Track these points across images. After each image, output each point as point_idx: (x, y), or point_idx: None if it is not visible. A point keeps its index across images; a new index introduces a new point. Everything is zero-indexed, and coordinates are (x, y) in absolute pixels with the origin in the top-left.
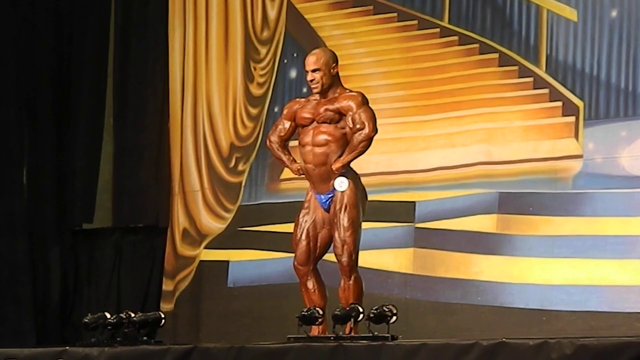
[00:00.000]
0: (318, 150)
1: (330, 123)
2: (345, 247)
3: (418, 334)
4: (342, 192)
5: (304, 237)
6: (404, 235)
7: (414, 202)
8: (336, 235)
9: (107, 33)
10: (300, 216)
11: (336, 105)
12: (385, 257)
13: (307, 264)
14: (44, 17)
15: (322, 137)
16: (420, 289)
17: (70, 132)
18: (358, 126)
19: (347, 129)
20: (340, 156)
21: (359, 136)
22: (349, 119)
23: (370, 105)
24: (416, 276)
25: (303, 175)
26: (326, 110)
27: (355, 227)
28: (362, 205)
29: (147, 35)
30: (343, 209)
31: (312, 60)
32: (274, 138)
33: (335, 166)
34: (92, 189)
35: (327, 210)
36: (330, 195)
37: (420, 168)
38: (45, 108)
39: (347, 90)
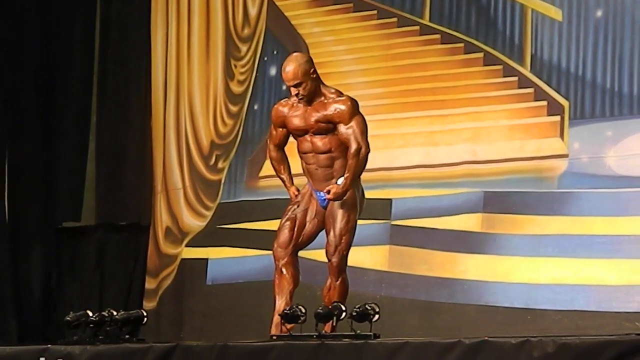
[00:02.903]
0: (322, 156)
1: (325, 134)
2: (339, 248)
3: (395, 332)
4: None
5: (289, 222)
6: (380, 233)
7: (390, 200)
8: (331, 235)
9: (92, 32)
10: (290, 208)
11: (327, 115)
12: (360, 254)
13: (287, 246)
14: (30, 16)
15: (324, 146)
16: (395, 286)
17: (55, 130)
18: (354, 147)
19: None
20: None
21: (355, 156)
22: (342, 129)
23: (360, 110)
24: (391, 273)
25: (298, 196)
26: (317, 122)
27: (350, 230)
28: (360, 207)
29: (130, 34)
30: (341, 211)
31: (290, 76)
32: (272, 153)
33: (333, 191)
34: (79, 187)
35: (324, 207)
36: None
37: (398, 165)
38: (30, 106)
39: (333, 91)
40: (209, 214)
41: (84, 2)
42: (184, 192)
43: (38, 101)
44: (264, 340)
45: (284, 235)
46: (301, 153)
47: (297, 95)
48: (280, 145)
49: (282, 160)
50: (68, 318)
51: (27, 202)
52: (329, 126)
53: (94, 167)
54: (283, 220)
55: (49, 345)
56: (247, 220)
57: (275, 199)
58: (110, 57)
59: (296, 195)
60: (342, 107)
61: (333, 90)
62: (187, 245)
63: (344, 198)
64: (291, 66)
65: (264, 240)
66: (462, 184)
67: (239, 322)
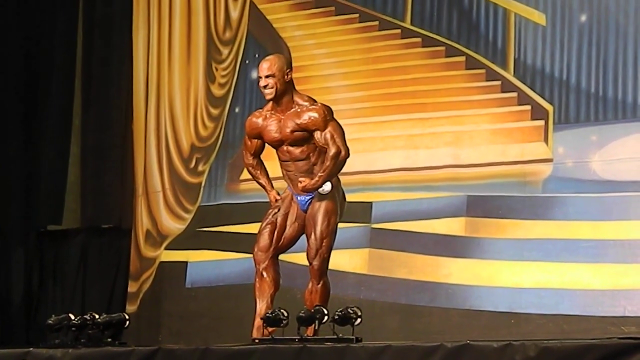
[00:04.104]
0: (300, 163)
1: (302, 144)
2: (320, 251)
3: (375, 335)
4: (324, 194)
5: (269, 226)
6: (360, 236)
7: (370, 203)
8: (312, 238)
9: (74, 34)
10: (270, 212)
11: (301, 124)
12: (340, 258)
13: (267, 250)
14: (12, 18)
15: (302, 154)
16: (375, 289)
17: (37, 132)
18: (333, 150)
19: (318, 144)
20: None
21: (333, 159)
22: (318, 136)
23: (334, 116)
24: (371, 277)
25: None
26: (293, 132)
27: (331, 233)
28: (340, 210)
29: (112, 36)
30: (322, 214)
31: (265, 66)
32: (248, 161)
33: (303, 184)
34: (61, 190)
35: (305, 211)
36: (310, 197)
37: (379, 169)
38: (12, 108)
39: (306, 99)
40: (189, 217)
41: (67, 5)
42: (164, 195)
43: (20, 103)
44: (246, 343)
45: (265, 239)
46: (280, 161)
47: (265, 87)
48: (256, 154)
49: (259, 166)
50: (50, 321)
51: (9, 205)
52: (304, 135)
53: (75, 169)
54: (263, 224)
55: (31, 349)
56: (227, 224)
57: (256, 202)
58: (92, 60)
59: (277, 200)
60: (316, 114)
61: (306, 98)
62: (166, 248)
63: (325, 201)
64: (269, 59)
65: (243, 243)
66: (444, 188)
67: (217, 326)
